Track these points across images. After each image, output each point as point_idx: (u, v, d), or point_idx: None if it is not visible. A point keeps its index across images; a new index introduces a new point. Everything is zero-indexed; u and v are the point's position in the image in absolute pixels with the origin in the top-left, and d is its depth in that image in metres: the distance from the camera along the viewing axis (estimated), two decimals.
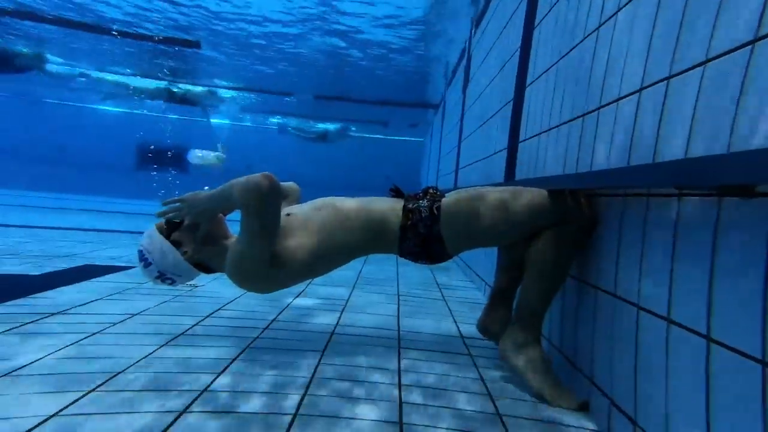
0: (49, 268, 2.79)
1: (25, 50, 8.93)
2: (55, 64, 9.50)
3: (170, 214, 1.52)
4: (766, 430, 0.68)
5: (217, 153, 8.93)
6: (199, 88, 10.44)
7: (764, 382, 0.68)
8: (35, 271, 2.68)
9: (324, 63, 7.57)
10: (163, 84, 10.33)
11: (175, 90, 10.46)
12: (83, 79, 10.27)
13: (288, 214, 1.55)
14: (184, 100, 10.72)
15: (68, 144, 11.88)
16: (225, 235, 1.58)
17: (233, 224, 1.57)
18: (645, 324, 1.02)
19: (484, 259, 2.94)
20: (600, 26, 1.43)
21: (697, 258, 0.86)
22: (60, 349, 1.48)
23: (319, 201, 1.60)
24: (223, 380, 1.34)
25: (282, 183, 1.65)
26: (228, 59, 7.94)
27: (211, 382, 1.32)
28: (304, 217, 1.53)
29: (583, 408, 1.29)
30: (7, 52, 9.01)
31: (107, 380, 1.27)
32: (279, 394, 1.28)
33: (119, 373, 1.33)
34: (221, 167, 8.72)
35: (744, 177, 0.66)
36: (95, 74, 10.13)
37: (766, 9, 0.74)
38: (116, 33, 6.96)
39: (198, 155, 8.90)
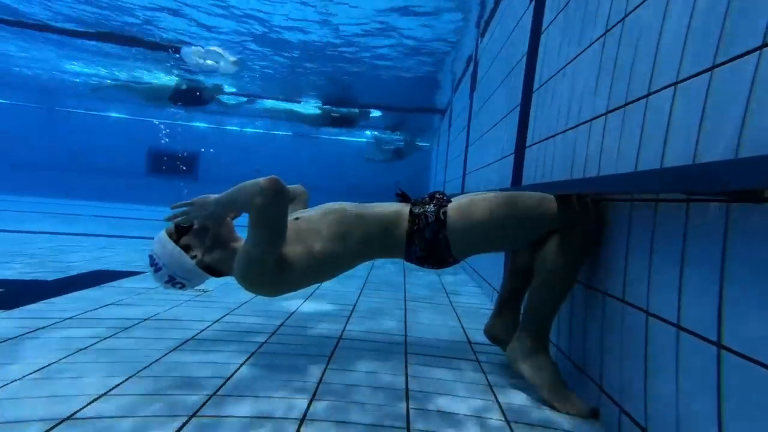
0: (61, 274, 2.84)
1: (208, 82, 9.10)
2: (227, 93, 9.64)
3: (179, 219, 1.54)
4: None
5: (224, 55, 6.76)
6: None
7: None
8: (48, 277, 2.73)
9: (330, 69, 7.63)
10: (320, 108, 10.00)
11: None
12: (250, 105, 10.35)
13: (296, 219, 1.56)
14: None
15: (82, 151, 12.10)
16: (234, 239, 1.60)
17: (242, 229, 1.59)
18: (654, 330, 1.01)
19: (492, 264, 2.92)
20: (607, 32, 1.43)
21: (707, 263, 0.85)
22: (71, 354, 1.50)
23: (327, 206, 1.61)
24: (233, 384, 1.35)
25: (289, 186, 1.66)
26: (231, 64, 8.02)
27: (219, 387, 1.33)
28: (312, 221, 1.54)
29: (593, 415, 1.28)
30: (195, 88, 9.31)
31: (117, 385, 1.29)
32: (286, 399, 1.28)
33: (129, 378, 1.34)
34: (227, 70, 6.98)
35: (753, 182, 0.66)
36: (263, 102, 10.28)
37: None
38: (131, 39, 7.08)
39: (195, 52, 6.45)
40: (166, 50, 7.21)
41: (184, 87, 9.47)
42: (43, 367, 1.37)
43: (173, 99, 9.82)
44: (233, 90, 9.66)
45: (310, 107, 10.48)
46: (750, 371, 0.73)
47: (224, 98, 10.15)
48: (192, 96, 9.61)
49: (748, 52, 0.79)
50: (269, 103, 10.57)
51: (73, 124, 12.24)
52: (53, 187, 11.58)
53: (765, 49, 0.76)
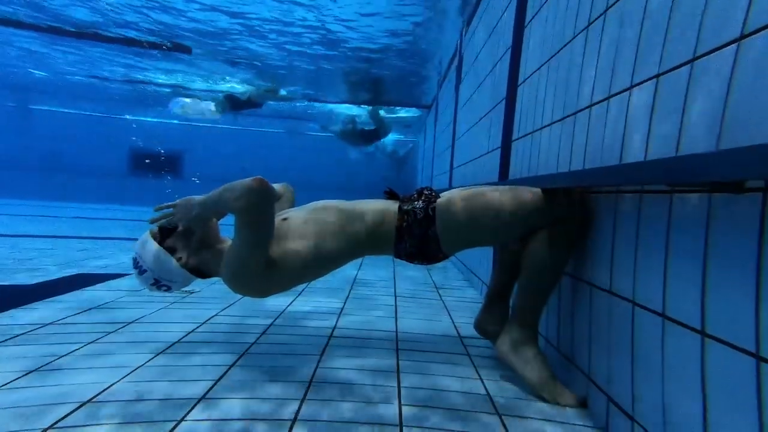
0: (41, 278, 2.76)
1: (263, 85, 8.91)
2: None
3: (163, 221, 1.51)
4: (761, 423, 0.68)
5: (208, 105, 7.20)
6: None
7: (758, 375, 0.69)
8: (28, 281, 2.65)
9: (314, 63, 7.55)
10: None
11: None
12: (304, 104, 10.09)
13: (284, 219, 1.54)
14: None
15: (60, 151, 11.78)
16: (219, 240, 1.57)
17: (227, 228, 1.56)
18: (640, 320, 1.03)
19: (481, 258, 2.94)
20: (590, 24, 1.43)
21: (690, 253, 0.86)
22: (54, 360, 1.46)
23: (315, 204, 1.60)
24: (221, 387, 1.33)
25: (275, 184, 1.64)
26: (211, 59, 7.87)
27: (209, 390, 1.31)
28: (300, 220, 1.53)
29: (582, 405, 1.30)
30: (244, 93, 9.11)
31: (102, 391, 1.26)
32: (278, 400, 1.27)
33: (113, 384, 1.32)
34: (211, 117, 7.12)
35: (733, 174, 0.67)
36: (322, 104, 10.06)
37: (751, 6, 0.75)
38: (104, 37, 6.87)
39: (183, 102, 6.91)
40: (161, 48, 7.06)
41: (235, 94, 9.42)
42: (21, 376, 1.33)
43: (225, 106, 9.79)
44: (289, 93, 9.45)
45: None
46: (732, 358, 0.74)
47: (275, 102, 9.98)
48: (242, 102, 9.56)
49: (724, 45, 0.80)
50: (328, 106, 10.28)
51: (50, 123, 11.90)
52: (31, 189, 11.25)
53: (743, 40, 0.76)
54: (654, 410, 0.95)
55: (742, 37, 0.77)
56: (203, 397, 1.25)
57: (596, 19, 1.38)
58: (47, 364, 1.43)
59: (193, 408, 1.19)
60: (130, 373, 1.39)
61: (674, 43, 0.96)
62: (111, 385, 1.29)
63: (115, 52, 7.42)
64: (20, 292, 2.40)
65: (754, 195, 0.73)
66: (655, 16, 1.05)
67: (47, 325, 1.84)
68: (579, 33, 1.51)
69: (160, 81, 9.28)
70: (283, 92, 9.35)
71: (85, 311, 2.07)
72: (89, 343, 1.64)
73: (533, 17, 2.12)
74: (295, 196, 1.88)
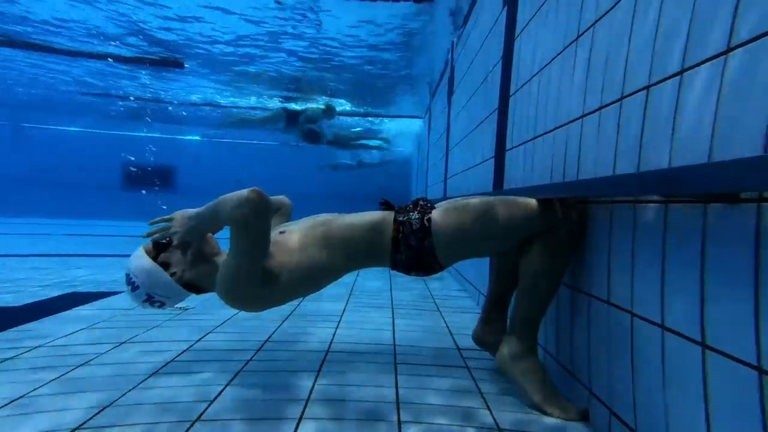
0: (29, 299, 2.70)
1: (316, 105, 8.94)
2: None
3: (157, 235, 1.49)
4: None
5: None
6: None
7: (761, 388, 0.68)
8: (15, 302, 2.60)
9: (308, 75, 7.60)
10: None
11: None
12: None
13: (282, 232, 1.53)
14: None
15: (52, 167, 11.68)
16: (215, 253, 1.55)
17: (224, 242, 1.54)
18: (640, 331, 1.02)
19: (477, 268, 2.94)
20: (579, 36, 1.45)
21: (687, 263, 0.86)
22: (43, 385, 1.42)
23: (311, 218, 1.59)
24: (216, 407, 1.30)
25: (273, 197, 1.62)
26: (206, 76, 7.89)
27: (204, 411, 1.28)
28: (297, 233, 1.51)
29: (583, 418, 1.28)
30: (297, 111, 9.17)
31: (94, 415, 1.23)
32: (274, 420, 1.24)
33: (106, 407, 1.28)
34: None
35: (727, 186, 0.67)
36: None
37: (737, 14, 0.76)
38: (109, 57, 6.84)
39: None
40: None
41: (293, 111, 9.44)
42: (12, 401, 1.29)
43: (283, 119, 9.79)
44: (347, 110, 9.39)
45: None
46: (734, 370, 0.74)
47: (331, 129, 9.94)
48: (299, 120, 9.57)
49: (713, 57, 0.81)
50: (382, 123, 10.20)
51: (42, 140, 11.83)
52: (20, 206, 11.12)
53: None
54: (656, 423, 0.94)
55: (729, 50, 0.78)
56: (197, 420, 1.22)
57: (585, 31, 1.40)
58: (34, 390, 1.39)
59: (188, 430, 1.16)
60: (122, 396, 1.35)
61: (663, 53, 0.98)
62: (102, 410, 1.26)
63: (125, 68, 7.42)
64: (8, 313, 2.35)
65: (749, 206, 0.73)
66: (646, 27, 1.06)
67: (36, 348, 1.80)
68: (569, 45, 1.53)
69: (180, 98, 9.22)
70: (339, 108, 9.30)
71: (74, 332, 2.02)
72: (80, 366, 1.60)
73: (523, 29, 2.15)
74: (292, 209, 1.87)
